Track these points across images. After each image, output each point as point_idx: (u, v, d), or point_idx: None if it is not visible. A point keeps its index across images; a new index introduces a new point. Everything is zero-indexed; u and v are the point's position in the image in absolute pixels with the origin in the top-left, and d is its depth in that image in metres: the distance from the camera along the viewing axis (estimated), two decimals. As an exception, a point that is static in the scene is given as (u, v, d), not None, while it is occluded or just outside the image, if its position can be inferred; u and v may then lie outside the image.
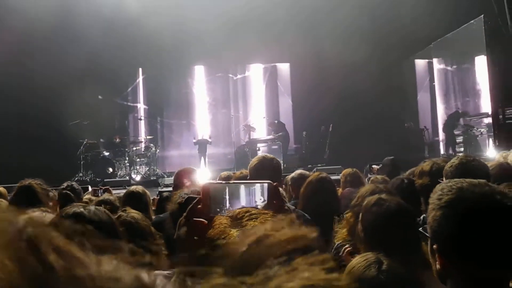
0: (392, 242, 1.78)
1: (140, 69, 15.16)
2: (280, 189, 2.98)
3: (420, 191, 2.73)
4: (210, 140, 14.01)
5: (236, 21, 12.73)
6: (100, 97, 13.56)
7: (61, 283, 0.36)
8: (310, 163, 12.43)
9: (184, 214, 1.01)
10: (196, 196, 1.54)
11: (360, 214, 2.04)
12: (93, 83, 13.10)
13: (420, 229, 1.34)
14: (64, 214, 1.47)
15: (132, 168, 12.39)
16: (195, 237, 0.96)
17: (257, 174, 2.65)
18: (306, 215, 2.80)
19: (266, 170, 2.65)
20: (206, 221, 0.95)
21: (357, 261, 1.68)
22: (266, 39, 13.42)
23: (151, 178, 11.90)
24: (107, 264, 0.40)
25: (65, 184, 4.20)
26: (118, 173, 12.12)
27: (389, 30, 12.42)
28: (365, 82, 13.50)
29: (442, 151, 13.39)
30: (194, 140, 14.03)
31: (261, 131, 14.39)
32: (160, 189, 7.97)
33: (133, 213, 2.64)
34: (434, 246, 1.21)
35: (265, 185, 1.00)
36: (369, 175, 7.09)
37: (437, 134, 14.29)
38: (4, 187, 4.75)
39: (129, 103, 15.18)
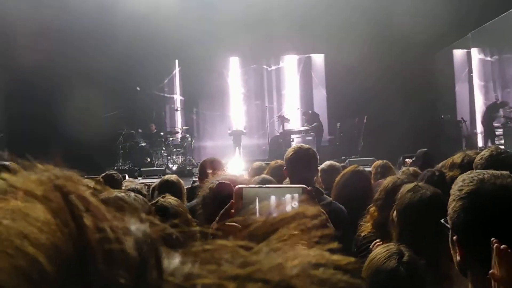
0: (425, 229, 1.82)
1: (177, 61, 15.41)
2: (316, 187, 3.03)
3: (451, 184, 2.74)
4: (244, 131, 14.15)
5: (271, 13, 12.76)
6: (137, 88, 13.91)
7: (92, 242, 0.36)
8: (343, 155, 12.39)
9: (217, 218, 1.02)
10: (227, 182, 1.59)
11: (397, 200, 2.07)
12: (131, 74, 13.46)
13: (442, 220, 1.33)
14: (105, 198, 1.55)
15: (169, 158, 12.67)
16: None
17: (293, 165, 2.70)
18: (342, 207, 2.83)
19: (301, 160, 2.69)
20: (239, 225, 1.00)
21: (378, 251, 1.71)
22: (301, 30, 13.40)
23: (187, 168, 12.14)
24: (132, 225, 0.40)
25: (104, 173, 4.34)
26: (156, 163, 12.41)
27: (427, 20, 12.15)
28: (401, 73, 13.33)
29: (480, 144, 13.08)
30: (229, 131, 14.20)
31: (295, 122, 14.42)
32: (194, 179, 8.16)
33: (170, 199, 2.78)
34: (454, 237, 1.21)
35: (296, 194, 0.99)
36: (402, 168, 7.06)
37: (475, 127, 13.96)
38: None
39: (165, 94, 15.49)
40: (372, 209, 2.49)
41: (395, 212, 2.10)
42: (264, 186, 1.03)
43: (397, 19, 12.48)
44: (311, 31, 13.46)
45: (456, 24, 12.19)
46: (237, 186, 1.01)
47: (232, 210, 0.99)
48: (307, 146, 2.90)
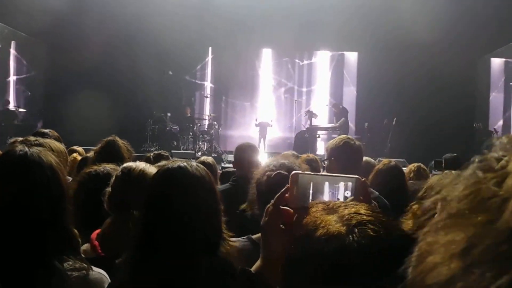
0: None
1: (210, 48, 15.46)
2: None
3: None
4: (271, 123, 14.15)
5: (307, 6, 12.69)
6: (170, 72, 14.05)
7: None
8: (370, 155, 12.22)
9: (272, 201, 1.03)
10: (285, 173, 1.60)
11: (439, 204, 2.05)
12: (165, 59, 13.60)
13: None
14: (169, 167, 1.57)
15: (195, 143, 12.78)
16: (281, 225, 1.00)
17: (340, 156, 2.68)
18: (387, 202, 2.81)
19: (349, 153, 2.68)
20: (292, 211, 0.98)
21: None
22: (336, 27, 13.28)
23: (212, 155, 12.21)
24: None
25: (154, 153, 4.41)
26: (182, 147, 12.53)
27: (466, 26, 11.92)
28: (435, 77, 13.12)
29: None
30: (256, 122, 14.22)
31: (322, 118, 14.35)
32: (223, 165, 8.20)
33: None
34: None
35: (350, 183, 1.01)
36: (433, 172, 6.97)
37: (507, 138, 13.63)
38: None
39: (197, 81, 15.58)
40: (415, 206, 2.47)
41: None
42: (319, 174, 1.05)
43: (437, 24, 12.26)
44: (346, 28, 13.32)
45: (498, 32, 11.91)
46: (293, 172, 1.03)
47: (287, 195, 1.01)
48: (354, 138, 2.88)
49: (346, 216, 0.77)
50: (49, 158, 1.49)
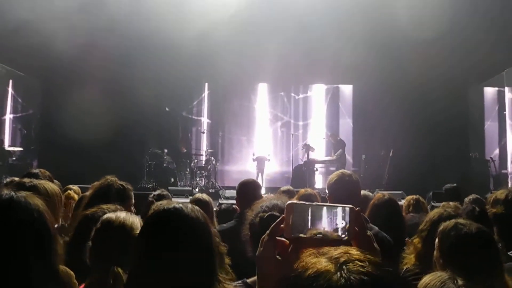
0: (473, 266, 1.78)
1: (206, 84, 15.62)
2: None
3: (494, 220, 2.68)
4: (268, 157, 14.15)
5: (302, 42, 12.88)
6: (167, 109, 14.13)
7: None
8: (368, 187, 12.22)
9: (267, 232, 1.03)
10: (278, 214, 1.60)
11: (437, 239, 2.04)
12: (162, 95, 13.72)
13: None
14: (164, 209, 1.57)
15: (192, 179, 12.73)
16: (277, 256, 1.00)
17: (335, 190, 2.68)
18: (388, 238, 2.78)
19: (344, 187, 2.68)
20: (288, 241, 0.99)
21: (430, 278, 1.67)
22: (331, 60, 13.46)
23: (210, 191, 12.15)
24: None
25: (157, 193, 4.39)
26: (179, 184, 12.47)
27: (459, 55, 12.09)
28: (429, 108, 13.23)
29: (510, 185, 12.77)
30: (253, 157, 14.22)
31: (320, 151, 14.37)
32: (220, 201, 8.15)
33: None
34: None
35: (347, 209, 1.01)
36: (431, 203, 6.93)
37: (505, 167, 13.66)
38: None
39: (193, 116, 15.66)
40: (416, 240, 2.45)
41: (437, 252, 2.05)
42: (314, 204, 1.04)
43: (429, 54, 12.45)
44: (340, 62, 13.50)
45: (491, 61, 12.08)
46: (288, 202, 1.03)
47: (282, 225, 1.01)
48: (350, 172, 2.88)
49: (336, 256, 0.77)
50: (35, 202, 1.50)
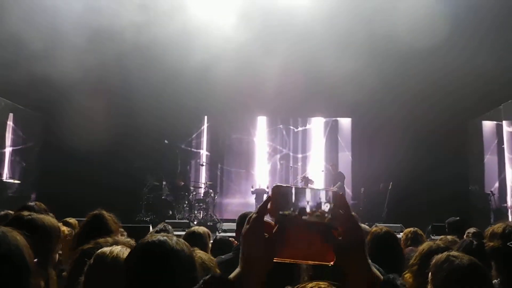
0: None
1: (206, 117, 15.74)
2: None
3: (491, 254, 2.65)
4: (267, 190, 14.09)
5: (300, 76, 13.01)
6: (166, 141, 14.18)
7: None
8: (367, 221, 12.14)
9: (255, 210, 1.06)
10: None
11: (430, 273, 2.02)
12: (161, 128, 13.78)
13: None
14: (149, 241, 1.59)
15: (191, 212, 12.64)
16: (265, 234, 1.02)
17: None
18: (380, 269, 2.74)
19: None
20: (273, 223, 1.02)
21: None
22: (329, 94, 13.58)
23: (208, 224, 12.05)
24: None
25: (158, 228, 4.38)
26: (177, 216, 12.38)
27: (458, 90, 12.21)
28: (428, 142, 13.29)
29: (510, 218, 12.67)
30: (252, 189, 14.19)
31: (319, 184, 14.33)
32: (218, 234, 8.08)
33: (200, 253, 2.73)
34: None
35: (330, 193, 1.05)
36: (431, 237, 6.87)
37: (504, 201, 13.59)
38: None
39: (192, 149, 15.69)
40: (407, 275, 2.42)
41: (430, 285, 2.03)
42: (300, 186, 1.09)
43: (427, 89, 12.59)
44: (339, 96, 13.61)
45: (488, 96, 12.20)
46: (275, 184, 1.07)
47: (269, 206, 1.04)
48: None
49: None
50: (14, 237, 1.49)
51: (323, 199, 1.04)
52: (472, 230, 4.29)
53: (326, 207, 1.03)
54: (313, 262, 1.04)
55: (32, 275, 1.47)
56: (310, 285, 0.83)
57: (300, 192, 1.04)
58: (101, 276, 1.88)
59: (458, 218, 5.52)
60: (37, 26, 11.03)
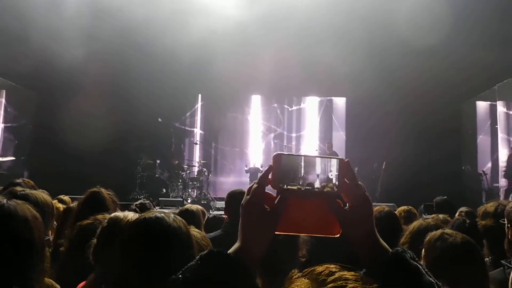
0: (459, 277, 1.77)
1: (200, 95, 15.65)
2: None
3: (483, 233, 2.66)
4: (261, 168, 14.12)
5: (295, 54, 12.93)
6: (159, 119, 14.11)
7: None
8: (361, 200, 12.26)
9: (256, 181, 1.02)
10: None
11: (423, 250, 2.03)
12: (155, 106, 13.69)
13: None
14: (146, 217, 1.58)
15: (184, 190, 12.67)
16: (265, 206, 0.97)
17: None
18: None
19: None
20: (274, 195, 0.98)
21: None
22: (324, 73, 13.51)
23: (202, 202, 12.10)
24: None
25: (139, 202, 4.36)
26: (171, 195, 12.41)
27: (453, 70, 12.19)
28: (424, 121, 13.30)
29: (501, 198, 12.79)
30: (246, 168, 14.21)
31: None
32: (211, 212, 8.10)
33: (194, 232, 2.73)
34: None
35: (335, 161, 0.99)
36: (423, 215, 6.91)
37: (496, 180, 13.70)
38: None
39: (186, 128, 15.65)
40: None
41: (423, 261, 2.03)
42: (303, 154, 1.01)
43: (422, 68, 12.56)
44: (334, 74, 13.56)
45: (483, 76, 12.18)
46: (275, 153, 1.01)
47: (270, 177, 0.99)
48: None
49: (321, 277, 0.75)
50: (25, 212, 1.47)
51: (334, 171, 0.98)
52: (464, 209, 4.31)
53: (331, 175, 0.98)
54: (317, 234, 0.99)
55: (40, 252, 1.47)
56: (320, 268, 0.79)
57: (311, 163, 0.98)
58: (114, 239, 1.89)
59: (445, 197, 5.54)
60: (37, 5, 10.90)
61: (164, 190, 12.54)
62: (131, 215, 2.01)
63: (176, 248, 1.51)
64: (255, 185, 1.01)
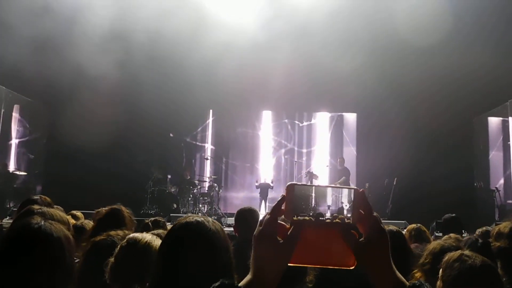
0: None
1: (211, 111, 15.74)
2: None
3: (497, 254, 2.63)
4: (272, 184, 14.12)
5: (306, 70, 12.97)
6: (171, 135, 14.20)
7: None
8: (372, 216, 12.17)
9: (268, 211, 0.99)
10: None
11: (441, 270, 2.01)
12: (166, 121, 13.81)
13: None
14: (187, 221, 1.64)
15: (195, 206, 12.68)
16: (278, 238, 0.95)
17: None
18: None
19: None
20: (287, 226, 0.96)
21: None
22: (335, 89, 13.53)
23: (212, 218, 12.06)
24: None
25: (153, 219, 4.40)
26: (182, 210, 12.42)
27: (464, 86, 12.14)
28: (433, 137, 13.23)
29: (515, 215, 12.63)
30: (256, 184, 14.21)
31: (323, 179, 14.32)
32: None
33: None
34: None
35: (351, 191, 0.97)
36: (435, 233, 6.86)
37: (510, 197, 13.53)
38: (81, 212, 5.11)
39: (197, 143, 15.71)
40: (417, 274, 2.40)
41: (440, 282, 2.02)
42: (317, 185, 1.00)
43: (434, 84, 12.54)
44: (345, 90, 13.58)
45: (495, 91, 12.13)
46: (289, 183, 0.99)
47: (283, 207, 0.97)
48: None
49: None
50: (59, 233, 1.58)
51: (345, 203, 0.98)
52: (483, 229, 4.25)
53: (345, 206, 0.97)
54: (332, 266, 0.96)
55: (70, 269, 1.53)
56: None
57: (321, 194, 0.97)
58: (131, 259, 1.92)
59: (454, 215, 5.50)
60: (53, 20, 11.12)
61: (175, 206, 12.54)
62: (148, 237, 2.05)
63: (215, 251, 1.57)
64: (267, 216, 0.99)
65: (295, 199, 0.97)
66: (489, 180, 14.28)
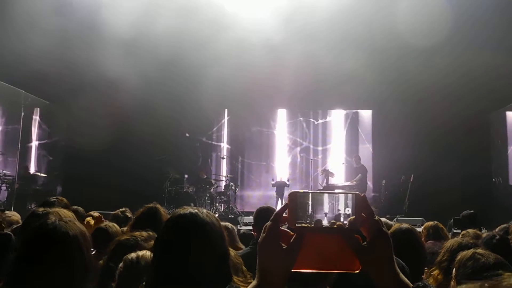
0: None
1: (226, 110, 15.82)
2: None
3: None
4: (288, 182, 14.15)
5: (320, 68, 12.96)
6: (187, 134, 14.32)
7: None
8: (388, 213, 12.13)
9: (271, 218, 1.01)
10: None
11: (454, 269, 2.02)
12: (182, 121, 13.92)
13: None
14: (180, 214, 1.64)
15: (212, 205, 12.78)
16: (281, 244, 0.97)
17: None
18: (404, 264, 2.75)
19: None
20: (291, 232, 0.97)
21: None
22: (350, 86, 13.48)
23: (229, 217, 12.17)
24: None
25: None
26: (199, 209, 12.50)
27: (481, 81, 12.00)
28: (449, 133, 13.10)
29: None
30: (273, 182, 14.25)
31: (339, 176, 14.30)
32: (238, 227, 8.17)
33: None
34: None
35: (350, 195, 0.98)
36: (453, 230, 6.83)
37: (529, 193, 13.35)
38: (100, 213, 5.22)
39: (213, 142, 15.82)
40: (435, 272, 2.41)
41: (453, 281, 2.03)
42: (318, 191, 1.02)
43: (450, 78, 12.43)
44: (360, 87, 13.52)
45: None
46: (291, 191, 1.01)
47: (285, 215, 0.99)
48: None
49: None
50: (75, 230, 1.63)
51: (341, 203, 0.98)
52: (502, 226, 4.23)
53: (347, 211, 0.97)
54: (336, 270, 0.98)
55: (87, 267, 1.58)
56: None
57: (318, 201, 0.98)
58: (135, 279, 1.94)
59: (472, 211, 5.48)
60: (75, 25, 11.31)
61: (192, 205, 12.65)
62: (147, 254, 2.03)
63: (208, 242, 1.56)
64: (269, 224, 1.01)
65: (295, 204, 0.98)
66: (507, 176, 14.06)
